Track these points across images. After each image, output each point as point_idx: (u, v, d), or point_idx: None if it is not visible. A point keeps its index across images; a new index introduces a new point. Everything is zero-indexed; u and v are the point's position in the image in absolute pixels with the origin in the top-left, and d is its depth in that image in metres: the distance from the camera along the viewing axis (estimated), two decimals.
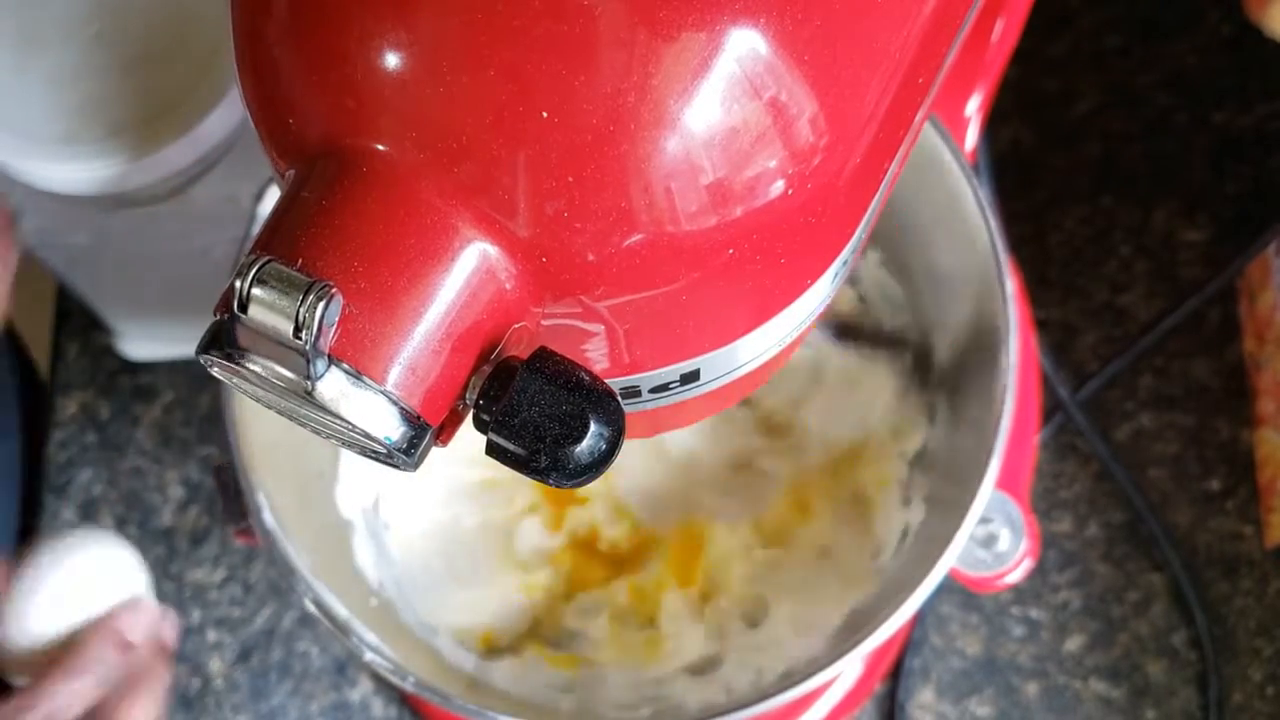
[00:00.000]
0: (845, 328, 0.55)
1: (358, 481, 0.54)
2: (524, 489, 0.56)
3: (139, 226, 0.51)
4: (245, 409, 0.45)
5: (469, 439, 0.26)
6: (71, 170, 0.45)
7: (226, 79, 0.46)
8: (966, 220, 0.47)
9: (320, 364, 0.23)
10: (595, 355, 0.27)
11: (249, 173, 0.48)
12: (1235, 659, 0.57)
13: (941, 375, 0.53)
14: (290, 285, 0.22)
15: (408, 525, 0.55)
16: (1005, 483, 0.45)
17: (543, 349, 0.25)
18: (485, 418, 0.25)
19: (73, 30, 0.47)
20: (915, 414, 0.54)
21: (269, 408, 0.25)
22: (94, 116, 0.46)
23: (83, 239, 0.53)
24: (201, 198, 0.49)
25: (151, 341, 0.63)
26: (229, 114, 0.46)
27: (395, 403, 0.24)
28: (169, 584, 0.61)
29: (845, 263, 0.28)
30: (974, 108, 0.54)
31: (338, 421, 0.24)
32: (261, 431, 0.46)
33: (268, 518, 0.45)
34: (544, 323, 0.26)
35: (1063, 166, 0.65)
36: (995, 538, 0.45)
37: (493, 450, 0.25)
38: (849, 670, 0.52)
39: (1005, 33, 0.52)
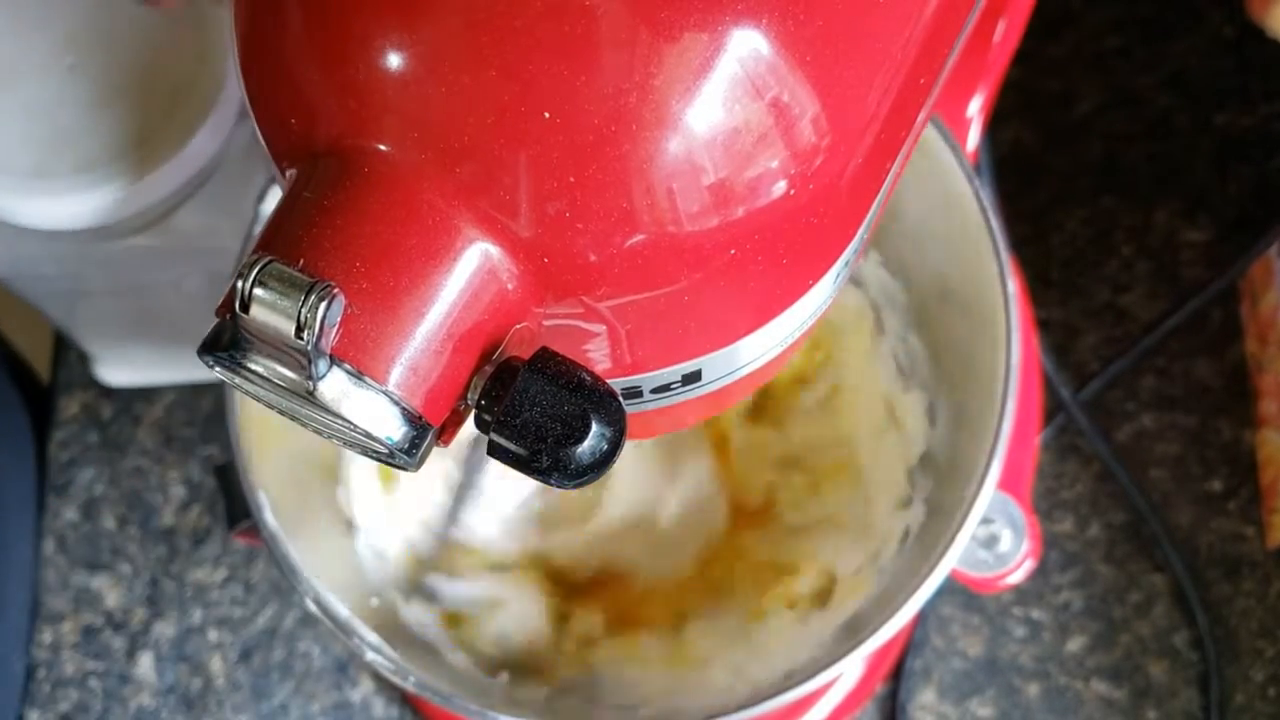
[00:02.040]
0: None
1: (360, 482, 0.54)
2: None
3: (112, 260, 0.50)
4: (247, 409, 0.45)
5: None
6: (44, 205, 0.45)
7: (199, 112, 0.46)
8: (968, 221, 0.47)
9: (322, 364, 0.23)
10: (597, 355, 0.27)
11: (225, 206, 0.47)
12: (1237, 660, 0.57)
13: (943, 376, 0.53)
14: (292, 286, 0.22)
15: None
16: (1006, 483, 0.45)
17: (544, 349, 0.25)
18: (487, 418, 0.25)
19: (48, 63, 0.46)
20: (916, 415, 0.54)
21: (270, 408, 0.25)
22: (66, 150, 0.45)
23: (55, 272, 0.52)
24: (175, 231, 0.49)
25: (128, 368, 0.63)
26: (203, 147, 0.46)
27: (397, 403, 0.24)
28: (170, 584, 0.61)
29: (847, 263, 0.28)
30: (976, 108, 0.54)
31: (339, 422, 0.24)
32: (263, 432, 0.46)
33: (269, 518, 0.45)
34: (546, 323, 0.26)
35: (1064, 167, 0.65)
36: (997, 538, 0.45)
37: (494, 450, 0.25)
38: (850, 671, 0.52)
39: (1007, 34, 0.52)
